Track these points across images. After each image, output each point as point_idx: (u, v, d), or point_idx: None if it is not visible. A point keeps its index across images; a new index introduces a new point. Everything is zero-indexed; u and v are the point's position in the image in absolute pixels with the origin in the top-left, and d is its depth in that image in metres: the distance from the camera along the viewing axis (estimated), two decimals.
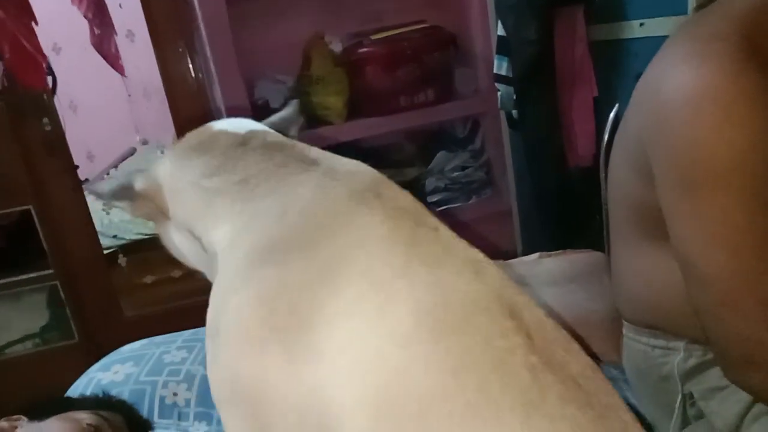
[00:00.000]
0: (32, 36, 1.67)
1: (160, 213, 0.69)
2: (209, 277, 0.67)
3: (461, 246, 0.51)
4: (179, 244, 0.71)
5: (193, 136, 0.69)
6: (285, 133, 0.72)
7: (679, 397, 0.79)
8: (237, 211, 0.58)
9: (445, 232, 0.52)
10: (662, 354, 0.80)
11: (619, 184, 0.82)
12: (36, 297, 1.98)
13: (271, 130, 0.69)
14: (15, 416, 0.92)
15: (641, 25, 1.50)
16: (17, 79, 1.70)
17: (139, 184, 0.69)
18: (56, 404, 0.96)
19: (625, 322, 0.87)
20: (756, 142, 0.62)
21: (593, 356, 0.95)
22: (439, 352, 0.42)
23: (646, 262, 0.79)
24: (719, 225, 0.64)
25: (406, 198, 0.54)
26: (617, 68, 1.57)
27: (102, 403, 0.99)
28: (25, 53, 1.64)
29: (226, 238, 0.58)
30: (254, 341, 0.48)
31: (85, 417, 0.89)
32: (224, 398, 0.52)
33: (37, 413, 0.92)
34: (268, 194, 0.57)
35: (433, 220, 0.53)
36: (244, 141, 0.64)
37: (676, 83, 0.66)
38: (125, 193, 0.70)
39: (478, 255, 0.50)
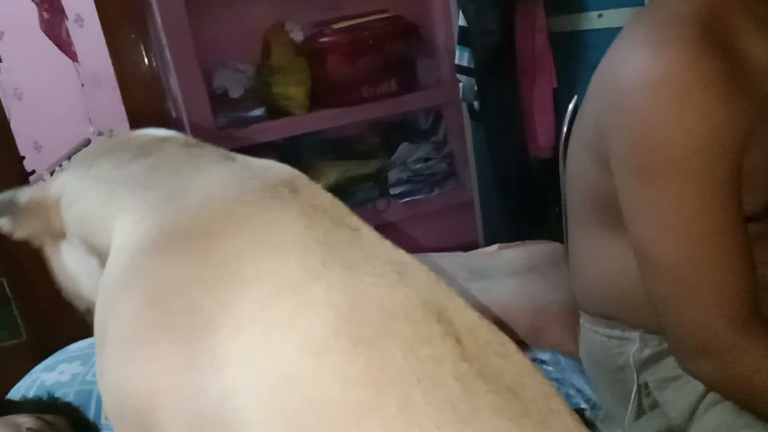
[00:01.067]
0: None
1: (51, 232, 0.62)
2: None
3: (385, 247, 0.46)
4: (72, 267, 0.63)
5: (104, 140, 0.65)
6: None
7: (635, 387, 0.79)
8: (139, 199, 0.52)
9: (368, 232, 0.47)
10: (618, 344, 0.80)
11: (577, 172, 0.82)
12: None
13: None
14: None
15: (599, 16, 1.51)
16: None
17: (24, 198, 0.62)
18: None
19: (582, 313, 0.87)
20: (713, 129, 0.61)
21: (552, 346, 0.95)
22: (358, 364, 0.38)
23: (603, 252, 0.79)
24: (674, 213, 0.63)
25: (325, 196, 0.50)
26: (576, 59, 1.58)
27: (45, 405, 0.95)
28: None
29: (122, 232, 0.51)
30: (145, 344, 0.43)
31: (25, 421, 0.85)
32: (113, 415, 0.47)
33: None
34: (174, 180, 0.52)
35: (355, 220, 0.48)
36: (164, 138, 0.60)
37: (633, 68, 0.65)
38: (5, 209, 0.63)
39: (403, 256, 0.46)
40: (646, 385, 0.79)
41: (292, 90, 1.88)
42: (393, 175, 2.16)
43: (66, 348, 1.20)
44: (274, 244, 0.44)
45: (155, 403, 0.41)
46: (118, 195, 0.54)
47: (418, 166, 2.20)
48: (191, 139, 0.62)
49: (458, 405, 0.37)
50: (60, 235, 0.62)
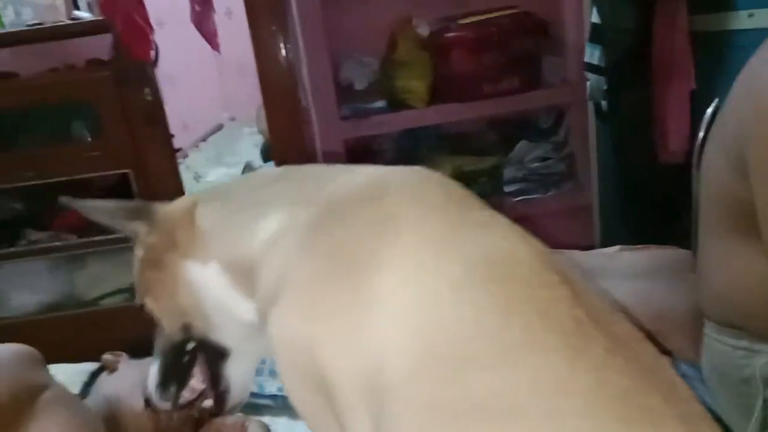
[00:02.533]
0: (142, 9, 1.79)
1: (173, 249, 0.66)
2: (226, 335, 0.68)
3: (506, 218, 0.54)
4: (195, 283, 0.67)
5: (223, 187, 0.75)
6: None
7: (760, 400, 0.75)
8: (294, 197, 0.61)
9: (490, 209, 0.55)
10: (745, 356, 0.77)
11: (714, 178, 0.79)
12: (129, 254, 2.13)
13: None
14: (117, 351, 1.01)
15: (750, 15, 1.40)
16: (126, 50, 1.83)
17: (160, 211, 0.69)
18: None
19: (707, 321, 0.84)
20: None
21: (666, 352, 0.92)
22: (488, 297, 0.45)
23: (737, 261, 0.76)
24: None
25: (456, 184, 0.58)
26: (720, 61, 1.48)
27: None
28: (135, 26, 1.76)
29: (279, 224, 0.59)
30: (319, 291, 0.51)
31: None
32: (287, 362, 0.54)
33: (135, 353, 1.00)
34: (326, 183, 0.60)
35: (480, 203, 0.56)
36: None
37: None
38: (144, 214, 0.68)
39: (522, 230, 0.53)
40: None
41: (414, 84, 1.94)
42: (508, 173, 2.15)
43: None
44: (422, 203, 0.52)
45: (323, 340, 0.50)
46: (271, 200, 0.62)
47: (535, 165, 2.17)
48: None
49: (572, 338, 0.43)
50: (181, 254, 0.66)
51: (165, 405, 0.73)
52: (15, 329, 1.97)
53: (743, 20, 1.42)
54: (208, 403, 0.77)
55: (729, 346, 0.79)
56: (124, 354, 1.01)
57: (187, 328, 0.69)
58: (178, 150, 2.15)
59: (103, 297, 2.18)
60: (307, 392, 0.52)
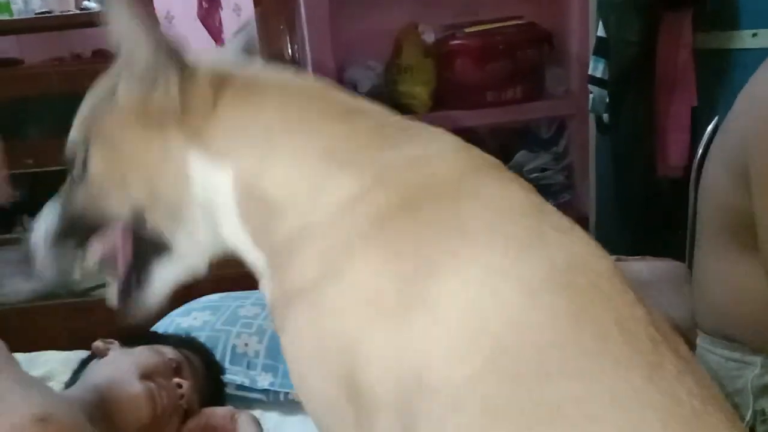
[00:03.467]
0: (149, 3, 1.80)
1: (183, 123, 0.54)
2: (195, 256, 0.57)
3: (581, 229, 0.51)
4: (191, 184, 0.55)
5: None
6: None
7: (750, 412, 0.76)
8: (367, 160, 0.51)
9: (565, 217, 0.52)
10: (737, 367, 0.78)
11: (714, 193, 0.80)
12: None
13: None
14: (109, 339, 1.01)
15: (754, 35, 1.42)
16: None
17: (195, 67, 0.54)
18: (145, 336, 1.05)
19: (700, 333, 0.85)
20: None
21: None
22: (565, 304, 0.43)
23: (734, 273, 0.77)
24: None
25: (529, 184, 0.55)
26: (722, 79, 1.50)
27: (185, 342, 1.07)
28: None
29: (344, 194, 0.50)
30: (374, 291, 0.47)
31: (168, 352, 0.97)
32: (313, 354, 0.50)
33: (127, 341, 1.00)
34: (405, 143, 0.52)
35: (554, 208, 0.53)
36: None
37: None
38: (172, 61, 0.53)
39: (584, 233, 0.51)
40: (763, 411, 0.76)
41: (417, 89, 1.95)
42: None
43: (197, 299, 1.34)
44: (501, 206, 0.49)
45: (371, 339, 0.46)
46: (340, 150, 0.52)
47: (534, 175, 2.18)
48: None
49: (648, 355, 0.42)
50: (192, 135, 0.54)
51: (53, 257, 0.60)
52: (8, 316, 1.97)
53: (746, 40, 1.44)
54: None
55: (722, 357, 0.80)
56: (116, 342, 1.01)
57: (137, 215, 0.56)
58: None
59: (97, 287, 2.17)
60: (329, 390, 0.49)
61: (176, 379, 0.92)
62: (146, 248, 0.58)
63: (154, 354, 0.94)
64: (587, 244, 0.48)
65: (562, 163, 2.18)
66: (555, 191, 2.17)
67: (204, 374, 1.03)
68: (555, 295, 0.44)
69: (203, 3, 2.36)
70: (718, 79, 1.51)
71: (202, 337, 1.16)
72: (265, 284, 0.56)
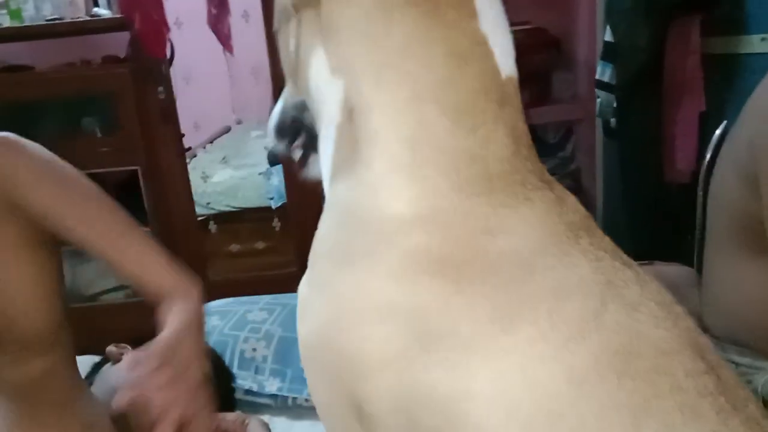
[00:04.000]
0: (160, 8, 1.81)
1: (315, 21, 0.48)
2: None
3: (655, 287, 0.45)
4: (318, 83, 0.49)
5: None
6: None
7: None
8: (435, 187, 0.43)
9: (638, 270, 0.46)
10: (747, 372, 0.77)
11: (724, 197, 0.80)
12: None
13: None
14: (122, 344, 1.02)
15: (763, 39, 1.42)
16: (143, 48, 1.85)
17: None
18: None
19: (710, 338, 0.84)
20: None
21: None
22: (618, 394, 0.39)
23: (745, 277, 0.76)
24: None
25: (607, 240, 0.48)
26: (730, 84, 1.50)
27: None
28: (152, 24, 1.79)
29: (400, 199, 0.43)
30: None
31: None
32: (320, 356, 0.47)
33: (140, 345, 1.00)
34: (484, 194, 0.44)
35: (626, 258, 0.47)
36: (503, 96, 0.47)
37: None
38: None
39: (667, 296, 0.45)
40: None
41: None
42: None
43: (205, 304, 1.35)
44: (563, 287, 0.42)
45: (369, 373, 0.43)
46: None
47: None
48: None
49: (714, 427, 0.39)
50: (317, 34, 0.48)
51: (279, 147, 0.59)
52: None
53: (755, 44, 1.44)
54: None
55: (732, 362, 0.79)
56: (128, 346, 1.01)
57: (301, 108, 0.54)
58: (188, 149, 2.16)
59: (103, 293, 2.18)
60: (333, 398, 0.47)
61: None
62: (311, 142, 0.55)
63: None
64: (656, 317, 0.42)
65: (569, 167, 2.19)
66: None
67: (214, 380, 1.03)
68: (605, 383, 0.39)
69: (212, 9, 2.38)
70: (726, 84, 1.51)
71: (210, 341, 1.16)
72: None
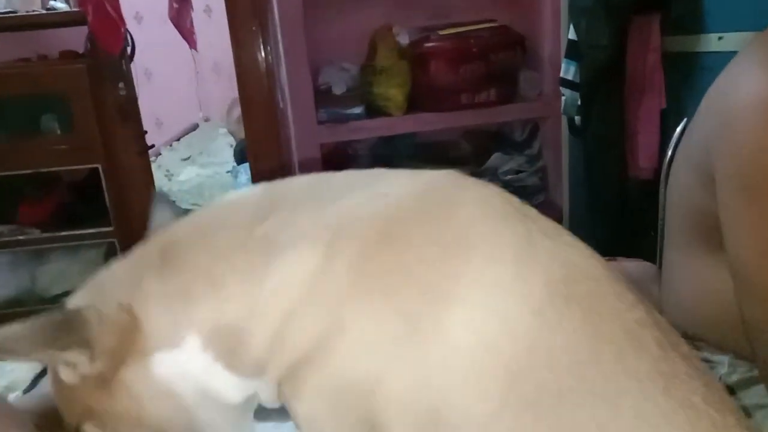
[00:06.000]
0: (115, 2, 1.76)
1: (130, 351, 0.49)
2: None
3: (566, 230, 0.49)
4: (172, 382, 0.50)
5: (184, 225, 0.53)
6: None
7: None
8: (320, 225, 0.47)
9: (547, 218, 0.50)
10: (707, 367, 0.78)
11: (681, 193, 0.81)
12: (94, 252, 2.09)
13: None
14: None
15: (720, 38, 1.45)
16: (97, 43, 1.80)
17: (94, 315, 0.48)
18: None
19: None
20: None
21: None
22: (575, 321, 0.42)
23: (701, 272, 0.77)
24: None
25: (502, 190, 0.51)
26: (689, 82, 1.53)
27: None
28: (107, 17, 1.74)
29: (308, 265, 0.46)
30: (382, 331, 0.44)
31: None
32: (329, 410, 0.47)
33: None
34: (356, 190, 0.50)
35: (534, 210, 0.50)
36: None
37: (747, 88, 0.65)
38: (74, 335, 0.48)
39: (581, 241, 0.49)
40: None
41: (392, 91, 1.95)
42: None
43: None
44: (485, 217, 0.46)
45: (390, 376, 0.44)
46: (278, 240, 0.48)
47: (509, 177, 2.20)
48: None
49: (660, 363, 0.41)
50: (142, 354, 0.49)
51: None
52: None
53: (713, 43, 1.47)
54: None
55: None
56: None
57: None
58: (151, 147, 2.11)
59: (64, 295, 2.12)
60: None
61: None
62: None
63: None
64: (577, 248, 0.46)
65: (536, 165, 2.20)
66: (530, 193, 2.19)
67: None
68: (559, 310, 0.42)
69: (174, 3, 2.32)
70: (685, 82, 1.54)
71: None
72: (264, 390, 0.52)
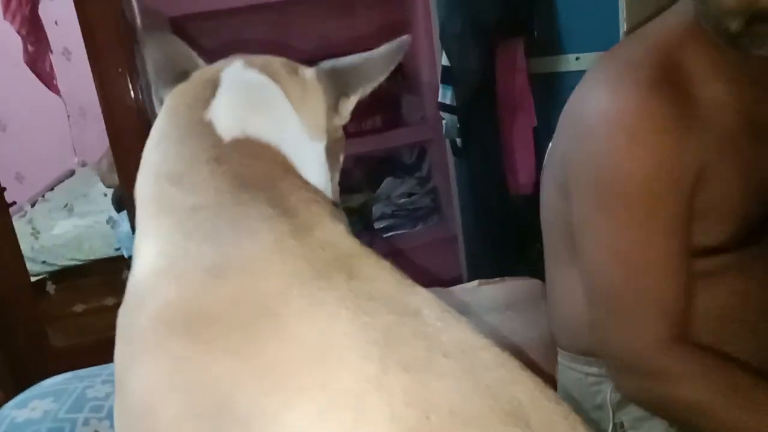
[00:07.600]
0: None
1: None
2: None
3: (451, 332, 0.41)
4: None
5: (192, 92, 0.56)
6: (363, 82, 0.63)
7: (610, 426, 0.79)
8: (171, 240, 0.46)
9: (430, 314, 0.42)
10: (596, 382, 0.80)
11: (547, 205, 0.84)
12: None
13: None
14: None
15: (577, 59, 1.55)
16: None
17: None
18: None
19: (559, 350, 0.87)
20: (661, 164, 0.65)
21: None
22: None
23: (574, 285, 0.79)
24: (618, 240, 0.68)
25: (386, 278, 0.44)
26: (555, 100, 1.62)
27: None
28: None
29: (147, 261, 0.46)
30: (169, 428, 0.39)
31: None
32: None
33: None
34: (210, 237, 0.44)
35: (416, 300, 0.43)
36: (220, 155, 0.50)
37: (593, 105, 0.70)
38: None
39: (471, 339, 0.41)
40: (622, 424, 0.78)
41: None
42: (377, 210, 2.18)
43: (39, 383, 1.17)
44: (327, 351, 0.39)
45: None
46: (158, 218, 0.48)
47: (402, 200, 2.22)
48: (259, 148, 0.52)
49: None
50: None
51: None
52: None
53: (571, 63, 1.57)
54: None
55: (581, 373, 0.82)
56: None
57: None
58: (12, 204, 1.91)
59: None
60: None
61: None
62: None
63: None
64: (448, 375, 0.38)
65: (427, 186, 2.24)
66: (423, 215, 2.22)
67: None
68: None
69: (29, 47, 2.15)
70: (551, 101, 1.63)
71: (42, 430, 1.00)
72: None
